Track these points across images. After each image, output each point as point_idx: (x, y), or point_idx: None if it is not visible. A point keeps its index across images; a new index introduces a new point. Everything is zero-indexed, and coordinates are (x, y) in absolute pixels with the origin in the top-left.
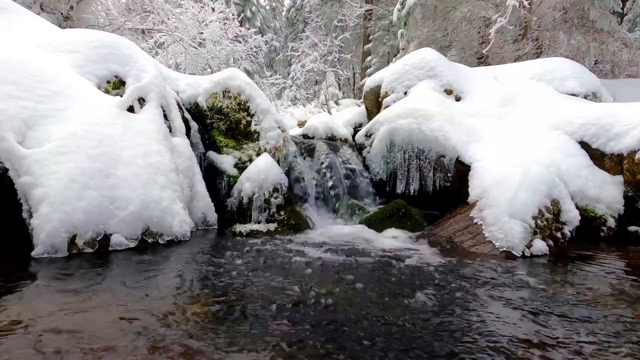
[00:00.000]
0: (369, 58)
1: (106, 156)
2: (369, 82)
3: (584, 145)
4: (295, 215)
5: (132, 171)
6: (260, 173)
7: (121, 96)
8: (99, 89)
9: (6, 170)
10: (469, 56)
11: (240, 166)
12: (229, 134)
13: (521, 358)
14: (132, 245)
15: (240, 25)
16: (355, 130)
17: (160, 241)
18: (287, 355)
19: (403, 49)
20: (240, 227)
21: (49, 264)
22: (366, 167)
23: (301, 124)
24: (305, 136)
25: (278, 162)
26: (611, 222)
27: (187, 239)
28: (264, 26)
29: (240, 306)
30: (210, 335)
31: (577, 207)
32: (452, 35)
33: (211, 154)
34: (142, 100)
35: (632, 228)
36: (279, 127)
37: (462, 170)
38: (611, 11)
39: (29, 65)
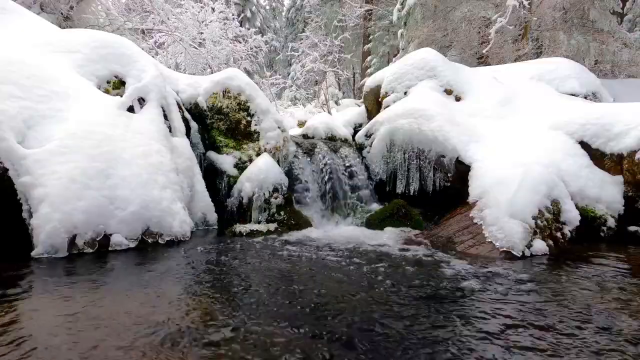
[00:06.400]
0: (369, 58)
1: (106, 156)
2: (369, 82)
3: (584, 145)
4: (295, 215)
5: (132, 171)
6: (260, 173)
7: (121, 96)
8: (99, 89)
9: (6, 170)
10: (469, 56)
11: (240, 166)
12: (229, 134)
13: (520, 358)
14: (132, 245)
15: (240, 25)
16: (355, 130)
17: (160, 241)
18: (287, 354)
19: (403, 49)
20: (240, 227)
21: (49, 264)
22: (366, 167)
23: (301, 124)
24: (305, 136)
25: (278, 162)
26: (611, 222)
27: (187, 239)
28: (264, 26)
29: (241, 306)
30: (211, 335)
31: (577, 207)
32: (452, 36)
33: (211, 154)
34: (142, 100)
35: (632, 228)
36: (279, 127)
37: (462, 170)
38: (611, 11)
39: (29, 65)
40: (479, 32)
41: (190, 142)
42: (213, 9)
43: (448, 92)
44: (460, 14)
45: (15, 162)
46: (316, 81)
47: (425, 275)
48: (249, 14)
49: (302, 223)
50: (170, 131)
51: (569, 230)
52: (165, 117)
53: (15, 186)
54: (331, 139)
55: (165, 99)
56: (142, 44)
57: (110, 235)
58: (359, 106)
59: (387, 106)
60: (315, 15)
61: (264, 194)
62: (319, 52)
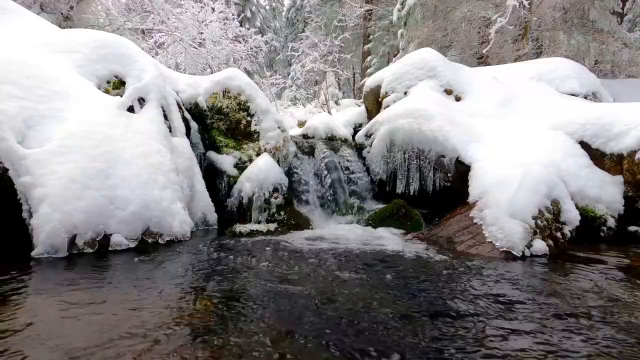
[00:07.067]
0: (369, 58)
1: (106, 156)
2: (369, 82)
3: (584, 145)
4: (295, 215)
5: (132, 171)
6: (260, 173)
7: (121, 96)
8: (99, 89)
9: (6, 170)
10: (469, 56)
11: (240, 166)
12: (229, 134)
13: (517, 358)
14: (132, 245)
15: (240, 25)
16: (355, 130)
17: (160, 241)
18: (289, 355)
19: (403, 49)
20: (240, 227)
21: (49, 264)
22: (366, 167)
23: (301, 124)
24: (305, 136)
25: (278, 162)
26: (611, 222)
27: (187, 239)
28: (264, 26)
29: (241, 306)
30: (212, 335)
31: (577, 207)
32: (452, 36)
33: (211, 154)
34: (142, 100)
35: (632, 228)
36: (279, 127)
37: (462, 170)
38: (611, 11)
39: (29, 65)
40: (479, 32)
41: (190, 142)
42: (213, 9)
43: (448, 92)
44: (460, 14)
45: (15, 162)
46: (316, 81)
47: (425, 276)
48: (249, 14)
49: (302, 223)
50: (170, 131)
51: (569, 230)
52: (165, 117)
53: (15, 186)
54: (331, 139)
55: (165, 99)
56: (142, 44)
57: (110, 235)
58: (359, 106)
59: (387, 106)
60: (315, 15)
61: (264, 194)
62: (319, 52)
